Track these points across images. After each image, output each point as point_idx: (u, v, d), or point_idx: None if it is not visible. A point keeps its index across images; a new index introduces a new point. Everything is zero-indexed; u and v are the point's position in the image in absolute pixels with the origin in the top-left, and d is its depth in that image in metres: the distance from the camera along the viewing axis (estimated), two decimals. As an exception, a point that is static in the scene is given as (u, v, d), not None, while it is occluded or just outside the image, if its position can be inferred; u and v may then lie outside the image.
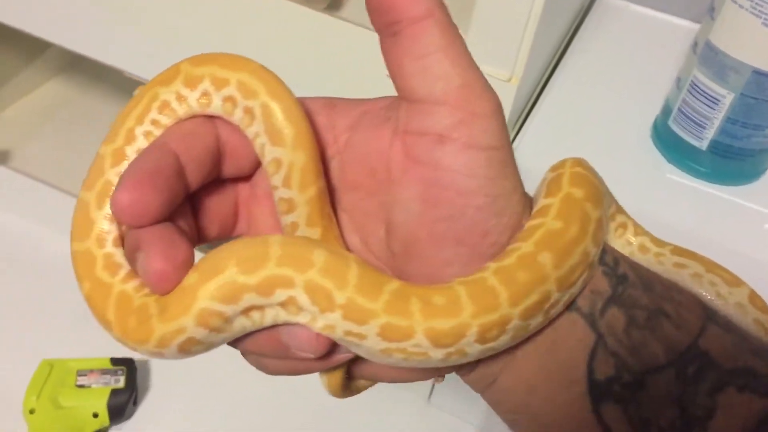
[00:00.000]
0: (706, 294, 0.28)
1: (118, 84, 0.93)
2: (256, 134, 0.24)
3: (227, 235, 0.27)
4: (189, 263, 0.22)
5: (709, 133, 0.50)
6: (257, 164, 0.26)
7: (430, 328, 0.21)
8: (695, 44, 0.50)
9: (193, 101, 0.24)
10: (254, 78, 0.24)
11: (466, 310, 0.21)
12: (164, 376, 0.75)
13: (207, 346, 0.22)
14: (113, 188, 0.23)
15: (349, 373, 0.27)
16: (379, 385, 0.31)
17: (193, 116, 0.24)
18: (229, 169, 0.25)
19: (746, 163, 0.51)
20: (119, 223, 0.24)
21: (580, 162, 0.26)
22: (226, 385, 0.73)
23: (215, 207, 0.26)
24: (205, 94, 0.24)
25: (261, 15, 0.54)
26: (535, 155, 0.51)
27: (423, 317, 0.21)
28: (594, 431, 0.24)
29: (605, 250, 0.25)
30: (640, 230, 0.29)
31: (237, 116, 0.24)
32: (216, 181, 0.25)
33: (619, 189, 0.29)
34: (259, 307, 0.21)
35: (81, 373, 0.69)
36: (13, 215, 0.85)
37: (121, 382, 0.69)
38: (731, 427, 0.23)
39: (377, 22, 0.22)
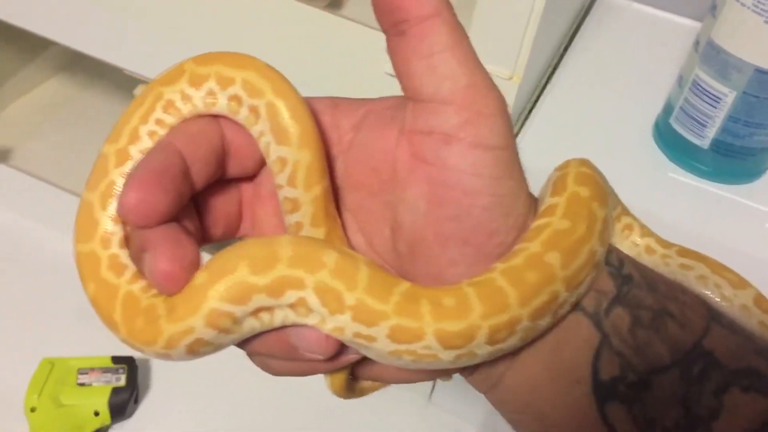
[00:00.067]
0: (712, 296, 0.28)
1: (119, 82, 0.93)
2: (261, 133, 0.24)
3: (232, 235, 0.27)
4: (196, 263, 0.22)
5: (711, 132, 0.50)
6: (261, 164, 0.26)
7: (441, 330, 0.21)
8: (697, 42, 0.50)
9: (198, 100, 0.24)
10: (260, 77, 0.23)
11: (475, 311, 0.21)
12: (165, 375, 0.75)
13: (215, 347, 0.22)
14: (117, 188, 0.23)
15: (353, 373, 0.27)
16: (380, 385, 0.31)
17: (198, 116, 0.24)
18: (233, 168, 0.25)
19: (748, 161, 0.51)
20: (125, 224, 0.24)
21: (585, 162, 0.26)
22: (227, 384, 0.73)
23: (219, 207, 0.26)
24: (210, 93, 0.24)
25: (261, 13, 0.54)
26: (537, 154, 0.50)
27: (433, 319, 0.21)
28: (598, 431, 0.24)
29: (610, 251, 0.25)
30: (646, 231, 0.29)
31: (242, 115, 0.24)
32: (220, 181, 0.25)
33: (620, 187, 0.29)
34: (269, 309, 0.21)
35: (82, 372, 0.69)
36: (14, 213, 0.85)
37: (122, 381, 0.69)
38: (735, 427, 0.23)
39: (384, 22, 0.22)
